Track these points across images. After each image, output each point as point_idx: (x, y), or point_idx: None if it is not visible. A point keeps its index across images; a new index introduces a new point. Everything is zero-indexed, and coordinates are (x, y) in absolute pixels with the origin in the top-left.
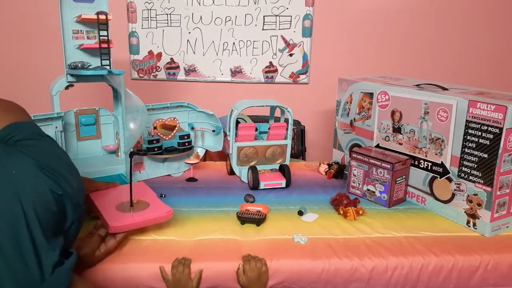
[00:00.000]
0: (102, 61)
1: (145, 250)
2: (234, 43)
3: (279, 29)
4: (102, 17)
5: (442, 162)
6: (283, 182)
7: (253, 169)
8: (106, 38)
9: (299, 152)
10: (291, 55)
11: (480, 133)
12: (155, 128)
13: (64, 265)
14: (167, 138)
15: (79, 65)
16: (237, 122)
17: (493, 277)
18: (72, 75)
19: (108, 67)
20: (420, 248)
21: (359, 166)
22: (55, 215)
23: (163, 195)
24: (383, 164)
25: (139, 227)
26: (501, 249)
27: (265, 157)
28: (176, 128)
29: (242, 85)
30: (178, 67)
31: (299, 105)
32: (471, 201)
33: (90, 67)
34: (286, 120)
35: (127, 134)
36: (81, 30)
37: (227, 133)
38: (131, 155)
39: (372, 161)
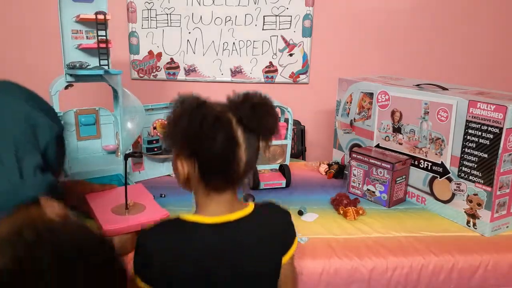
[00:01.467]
0: (101, 61)
1: None
2: (234, 43)
3: (279, 29)
4: (101, 17)
5: (442, 162)
6: (283, 182)
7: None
8: (104, 38)
9: (299, 152)
10: (291, 55)
11: (480, 133)
12: (154, 128)
13: (47, 175)
14: None
15: (77, 65)
16: None
17: (493, 277)
18: (71, 75)
19: (106, 67)
20: (420, 248)
21: (359, 166)
22: (30, 130)
23: (163, 195)
24: (383, 164)
25: (133, 230)
26: (501, 249)
27: (265, 157)
28: None
29: (242, 85)
30: (178, 67)
31: (299, 105)
32: (471, 201)
33: (88, 67)
34: (286, 120)
35: (124, 134)
36: (80, 30)
37: None
38: (126, 157)
39: (372, 161)
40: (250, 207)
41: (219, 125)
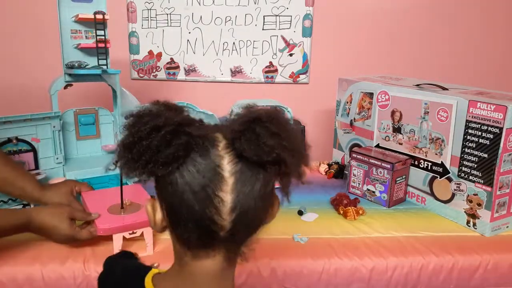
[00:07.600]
0: (99, 60)
1: (145, 249)
2: (234, 43)
3: (279, 29)
4: (99, 16)
5: (442, 162)
6: None
7: None
8: (103, 37)
9: None
10: (291, 55)
11: (480, 133)
12: None
13: None
14: None
15: (76, 64)
16: None
17: (493, 277)
18: (69, 74)
19: (104, 67)
20: (420, 248)
21: (359, 166)
22: None
23: None
24: (383, 164)
25: (128, 230)
26: (501, 249)
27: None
28: None
29: (242, 85)
30: (178, 67)
31: (299, 105)
32: (471, 201)
33: (87, 66)
34: None
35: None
36: (79, 30)
37: None
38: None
39: (372, 161)
40: None
41: (180, 140)
